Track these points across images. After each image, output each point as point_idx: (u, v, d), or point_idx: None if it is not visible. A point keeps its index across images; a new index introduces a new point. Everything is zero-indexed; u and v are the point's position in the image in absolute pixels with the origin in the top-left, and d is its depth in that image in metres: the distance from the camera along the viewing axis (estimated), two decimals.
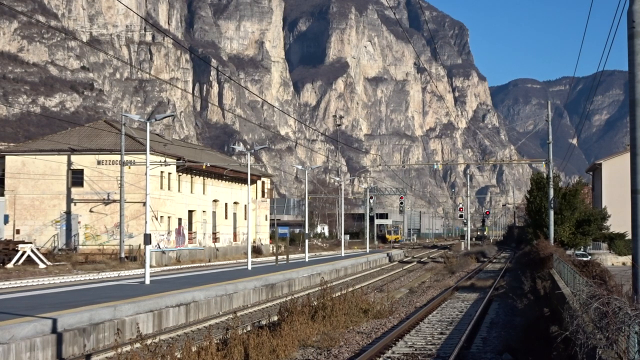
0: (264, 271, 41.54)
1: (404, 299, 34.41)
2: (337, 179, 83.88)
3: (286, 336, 18.70)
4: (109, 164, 62.84)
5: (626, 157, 19.67)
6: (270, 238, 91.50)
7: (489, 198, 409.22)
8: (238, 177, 78.74)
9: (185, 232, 69.89)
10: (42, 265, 52.85)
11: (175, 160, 65.41)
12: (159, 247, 62.48)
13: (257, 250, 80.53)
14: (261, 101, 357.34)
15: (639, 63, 16.50)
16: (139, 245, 58.47)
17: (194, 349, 16.27)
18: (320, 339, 20.40)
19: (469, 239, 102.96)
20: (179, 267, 55.49)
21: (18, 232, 63.70)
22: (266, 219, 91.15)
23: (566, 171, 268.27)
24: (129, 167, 58.99)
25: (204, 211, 74.03)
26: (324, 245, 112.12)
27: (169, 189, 66.55)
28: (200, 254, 69.19)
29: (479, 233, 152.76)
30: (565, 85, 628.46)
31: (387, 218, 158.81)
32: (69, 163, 63.78)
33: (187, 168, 67.54)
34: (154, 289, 28.55)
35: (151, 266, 48.89)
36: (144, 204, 37.42)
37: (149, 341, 16.83)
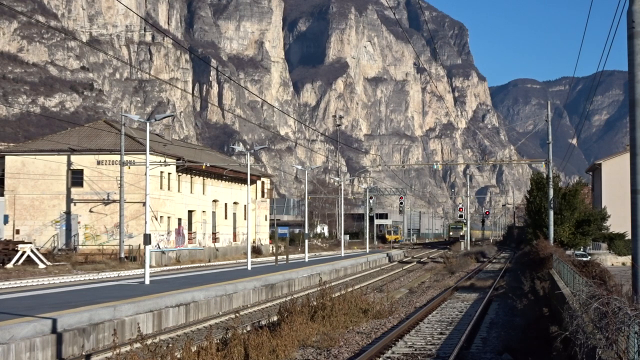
0: (264, 271, 41.55)
1: (404, 299, 34.41)
2: (337, 179, 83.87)
3: (286, 336, 18.70)
4: (109, 164, 62.84)
5: (626, 157, 19.67)
6: (270, 238, 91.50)
7: (489, 198, 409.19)
8: (238, 177, 78.75)
9: (185, 232, 69.89)
10: (41, 266, 52.85)
11: (175, 161, 65.42)
12: (159, 247, 62.48)
13: (256, 251, 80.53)
14: (261, 101, 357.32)
15: (639, 63, 16.50)
16: (139, 246, 58.50)
17: (193, 349, 16.27)
18: (320, 339, 20.40)
19: (468, 239, 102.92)
20: (178, 267, 55.49)
21: (18, 232, 63.70)
22: (266, 219, 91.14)
23: (566, 171, 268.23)
24: (129, 167, 59.00)
25: (203, 211, 74.03)
26: (324, 245, 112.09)
27: (168, 189, 66.55)
28: (200, 254, 69.19)
29: (451, 233, 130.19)
30: (565, 86, 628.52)
31: (386, 218, 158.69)
32: (69, 163, 63.78)
33: (187, 168, 67.55)
34: (154, 289, 28.55)
35: (151, 266, 48.90)
36: (144, 204, 37.43)
37: (148, 341, 16.82)
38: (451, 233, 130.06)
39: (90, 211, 63.68)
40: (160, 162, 58.32)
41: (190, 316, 25.87)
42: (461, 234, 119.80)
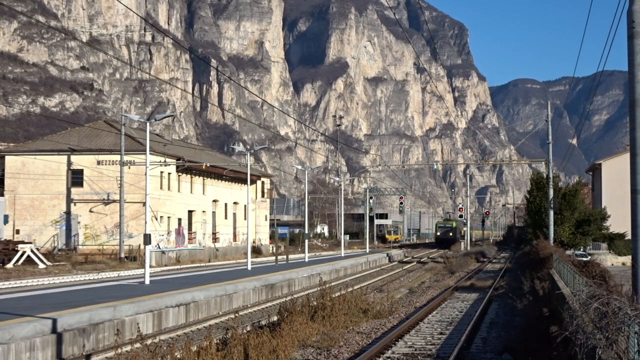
0: (264, 271, 41.55)
1: (404, 299, 34.41)
2: (337, 179, 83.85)
3: (286, 336, 18.70)
4: (109, 164, 62.84)
5: (626, 157, 19.68)
6: (270, 238, 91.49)
7: (489, 198, 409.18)
8: (238, 177, 78.74)
9: (185, 232, 69.88)
10: (41, 266, 52.84)
11: (175, 161, 65.41)
12: (159, 247, 62.47)
13: (256, 251, 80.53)
14: (261, 101, 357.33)
15: (639, 63, 16.50)
16: (139, 246, 58.50)
17: (193, 349, 16.28)
18: (320, 339, 20.40)
19: (469, 239, 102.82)
20: (178, 267, 55.49)
21: (18, 232, 63.70)
22: (266, 219, 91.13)
23: (566, 171, 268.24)
24: (129, 167, 59.00)
25: (203, 211, 74.02)
26: (324, 245, 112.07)
27: (168, 189, 66.55)
28: (200, 254, 69.18)
29: (439, 234, 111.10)
30: (565, 85, 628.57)
31: (386, 218, 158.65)
32: (69, 163, 63.78)
33: (187, 168, 67.54)
34: (154, 289, 28.55)
35: (151, 266, 48.90)
36: (144, 204, 37.44)
37: (148, 341, 16.83)
38: (438, 233, 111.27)
39: (90, 211, 63.67)
40: (160, 162, 58.32)
41: (190, 316, 25.87)
42: (451, 234, 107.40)
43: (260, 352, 16.99)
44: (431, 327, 24.29)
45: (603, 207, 70.11)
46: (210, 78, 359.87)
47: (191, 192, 71.29)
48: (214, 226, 76.64)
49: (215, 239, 76.18)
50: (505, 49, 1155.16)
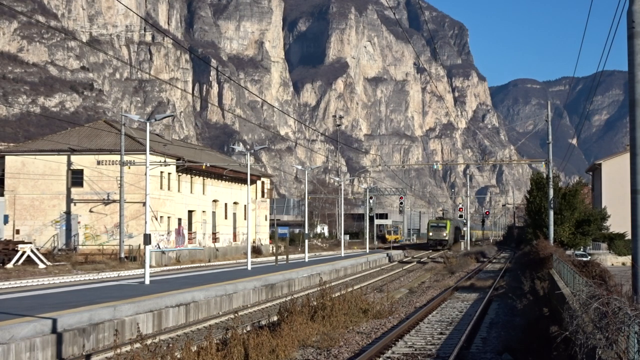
0: (264, 271, 41.55)
1: (404, 299, 34.41)
2: (337, 179, 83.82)
3: (286, 336, 18.70)
4: (109, 164, 62.83)
5: (626, 157, 19.68)
6: (270, 238, 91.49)
7: (489, 198, 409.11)
8: (238, 177, 78.74)
9: (185, 232, 69.87)
10: (41, 266, 52.84)
11: (175, 161, 65.41)
12: (159, 247, 62.47)
13: (256, 251, 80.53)
14: (261, 101, 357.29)
15: (639, 63, 16.51)
16: (139, 246, 58.50)
17: (193, 349, 16.28)
18: (320, 339, 20.40)
19: (469, 239, 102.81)
20: (178, 267, 55.48)
21: (18, 232, 63.69)
22: (266, 219, 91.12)
23: (566, 171, 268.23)
24: (129, 167, 59.00)
25: (203, 211, 74.02)
26: (324, 245, 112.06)
27: (168, 189, 66.54)
28: (200, 254, 69.18)
29: (431, 234, 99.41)
30: (565, 86, 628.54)
31: (386, 218, 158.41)
32: (69, 163, 63.78)
33: (187, 168, 67.54)
34: (154, 289, 28.55)
35: (151, 266, 48.90)
36: (144, 204, 37.44)
37: (148, 341, 16.81)
38: (430, 234, 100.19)
39: (90, 211, 63.67)
40: (160, 162, 58.32)
41: (190, 316, 25.87)
42: (444, 234, 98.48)
43: (260, 352, 16.99)
44: (431, 327, 24.29)
45: (603, 207, 70.10)
46: (210, 78, 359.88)
47: (191, 192, 71.29)
48: (214, 226, 76.64)
49: (215, 239, 76.18)
50: (505, 49, 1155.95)
